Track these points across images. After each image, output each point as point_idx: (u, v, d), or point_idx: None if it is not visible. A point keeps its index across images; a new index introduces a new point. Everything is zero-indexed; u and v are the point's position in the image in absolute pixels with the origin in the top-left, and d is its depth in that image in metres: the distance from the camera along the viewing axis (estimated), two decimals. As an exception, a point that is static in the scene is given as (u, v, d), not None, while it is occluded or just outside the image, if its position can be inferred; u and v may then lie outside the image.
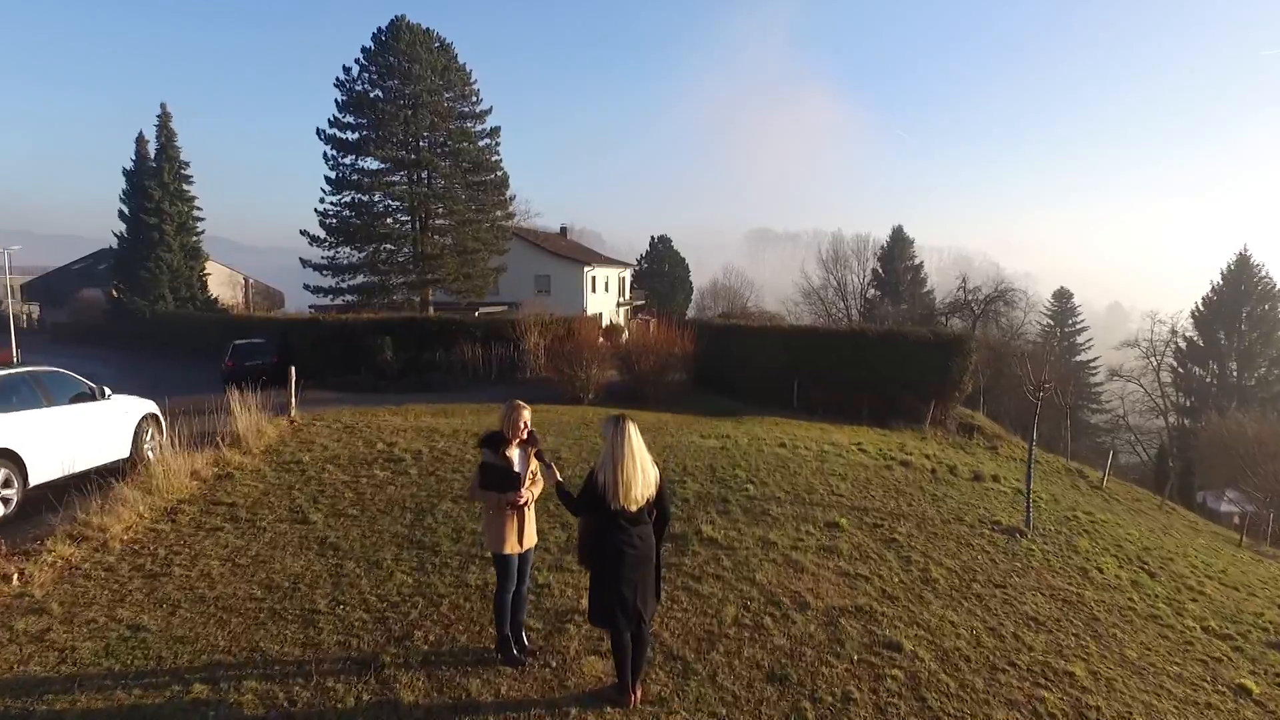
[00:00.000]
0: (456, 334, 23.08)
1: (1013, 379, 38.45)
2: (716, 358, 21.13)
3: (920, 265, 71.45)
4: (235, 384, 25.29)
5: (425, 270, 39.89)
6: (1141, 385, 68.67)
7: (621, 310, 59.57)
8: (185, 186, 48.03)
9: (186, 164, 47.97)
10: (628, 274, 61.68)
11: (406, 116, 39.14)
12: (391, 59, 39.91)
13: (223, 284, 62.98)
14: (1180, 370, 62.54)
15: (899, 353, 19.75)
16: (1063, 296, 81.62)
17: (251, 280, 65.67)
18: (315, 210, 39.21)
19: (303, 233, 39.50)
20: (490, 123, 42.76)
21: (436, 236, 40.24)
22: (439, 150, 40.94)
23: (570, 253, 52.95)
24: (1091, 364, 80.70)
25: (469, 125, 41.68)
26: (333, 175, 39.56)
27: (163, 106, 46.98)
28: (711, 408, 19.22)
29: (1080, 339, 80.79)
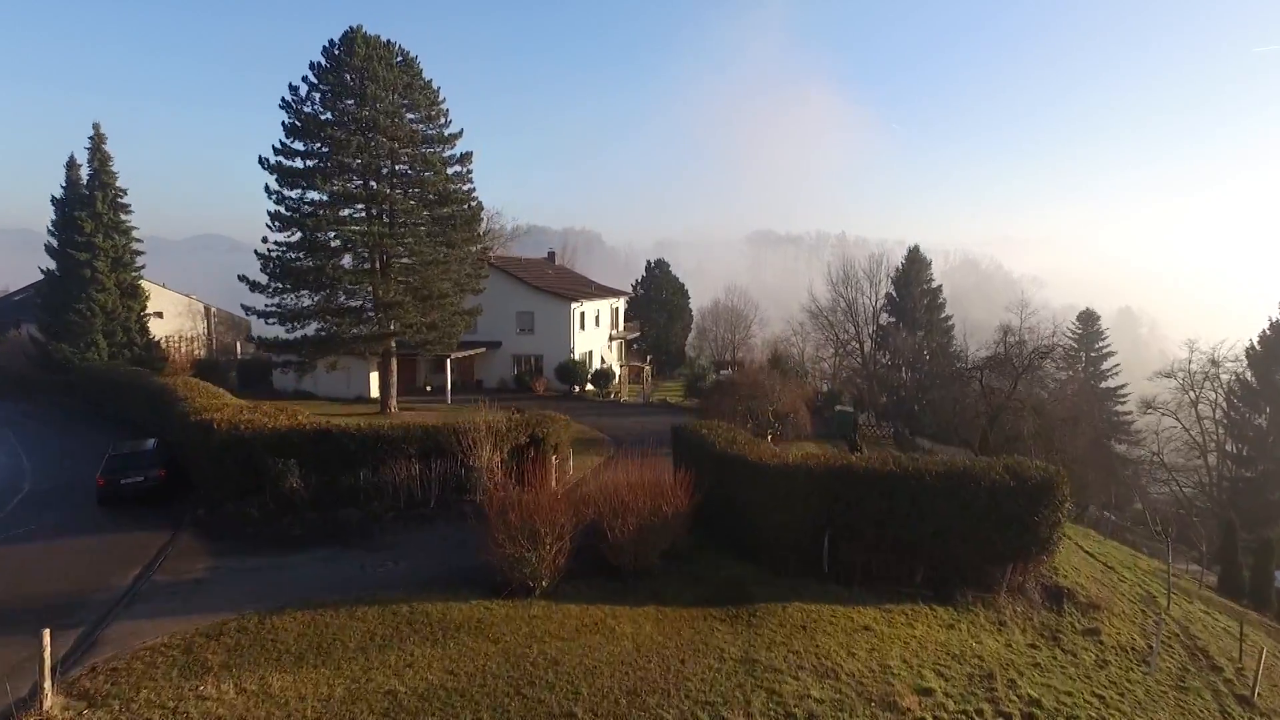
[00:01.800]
0: (385, 451, 17.97)
1: (1064, 452, 33.50)
2: (723, 496, 15.99)
3: (938, 289, 66.24)
4: (112, 505, 20.54)
5: (385, 320, 34.79)
6: (1179, 420, 63.57)
7: (614, 345, 54.45)
8: (123, 216, 42.90)
9: (124, 191, 42.82)
10: (621, 303, 56.53)
11: (359, 143, 33.94)
12: (346, 76, 34.75)
13: (180, 314, 58.13)
14: (1225, 408, 57.21)
15: (967, 501, 14.61)
16: (1088, 319, 76.42)
17: (215, 309, 60.52)
18: (256, 253, 34.09)
19: (241, 278, 34.35)
20: (461, 147, 37.57)
21: (398, 281, 35.06)
22: (399, 181, 35.82)
23: (556, 286, 47.78)
24: (1120, 391, 75.59)
25: (435, 151, 36.47)
26: (278, 210, 34.40)
27: (95, 128, 41.85)
28: (715, 587, 14.12)
29: (1106, 364, 75.56)
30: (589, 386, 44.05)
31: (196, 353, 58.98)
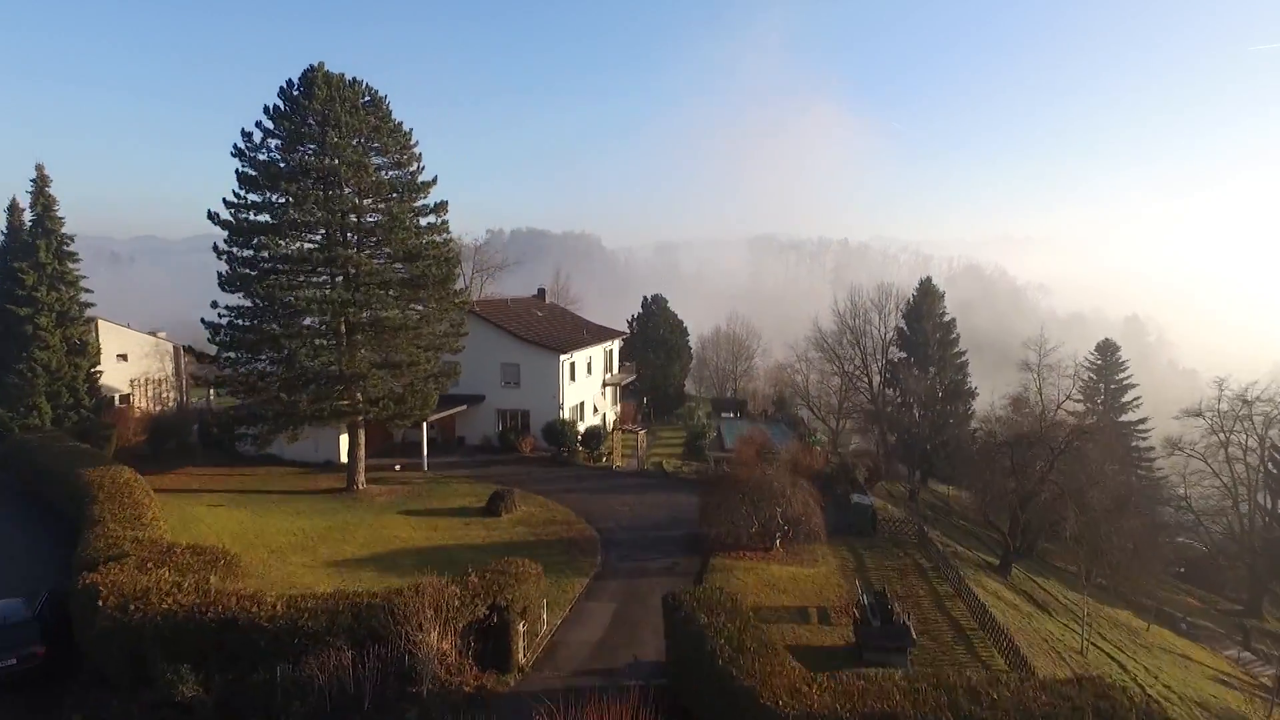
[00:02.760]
0: (307, 641, 14.45)
1: (1113, 554, 30.01)
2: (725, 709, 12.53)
3: (951, 323, 62.69)
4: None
5: (349, 392, 31.26)
6: (1209, 465, 59.98)
7: (607, 391, 50.92)
8: (70, 265, 39.34)
9: (70, 238, 39.28)
10: (615, 345, 52.98)
11: (318, 198, 30.45)
12: (309, 121, 31.28)
13: (147, 355, 54.70)
14: (1259, 453, 53.69)
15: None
16: (1107, 349, 72.80)
17: (185, 347, 56.86)
18: (203, 321, 30.59)
19: (188, 350, 30.92)
20: (435, 196, 34.10)
21: (363, 350, 31.53)
22: (365, 237, 32.30)
23: (544, 335, 44.24)
24: (1139, 425, 71.97)
25: (406, 202, 32.98)
26: (230, 270, 30.94)
27: (38, 169, 38.33)
28: None
29: (1127, 397, 71.89)
30: (579, 447, 40.50)
31: (165, 396, 55.57)
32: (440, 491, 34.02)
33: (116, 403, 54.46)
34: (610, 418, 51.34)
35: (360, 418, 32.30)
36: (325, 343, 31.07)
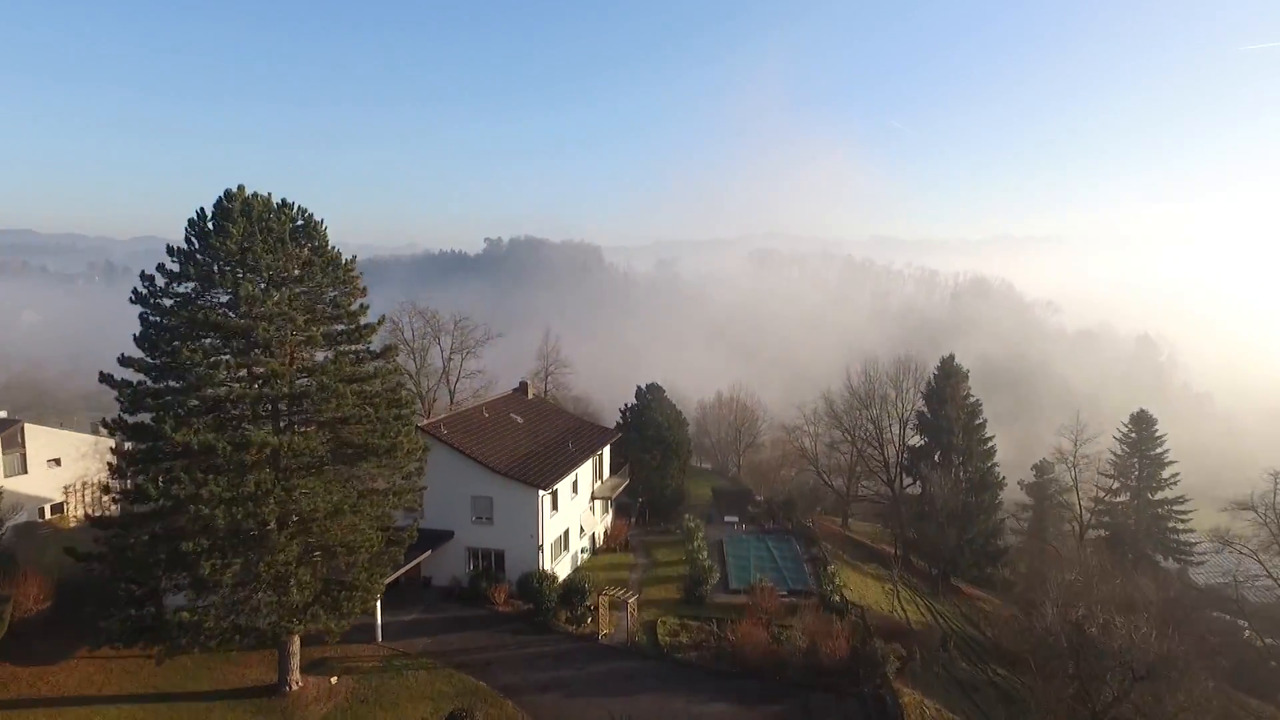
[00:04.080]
0: None
1: None
2: None
3: (977, 405, 56.88)
4: None
5: (267, 591, 25.53)
6: (1262, 564, 54.46)
7: (597, 505, 45.20)
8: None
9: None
10: (606, 450, 47.28)
11: (230, 363, 24.79)
12: (224, 261, 25.64)
13: (84, 455, 49.80)
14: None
15: None
16: (1142, 421, 66.89)
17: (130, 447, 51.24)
18: (88, 516, 24.93)
19: (69, 550, 25.01)
20: (381, 338, 28.61)
21: (288, 542, 25.72)
22: (292, 405, 26.58)
23: (522, 464, 38.41)
24: (1179, 505, 66.22)
25: (345, 349, 27.40)
26: (123, 449, 25.34)
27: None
28: None
29: (1166, 473, 66.05)
30: (559, 605, 34.72)
31: (107, 501, 50.05)
32: (389, 691, 28.44)
33: (49, 513, 49.18)
34: (599, 534, 45.66)
35: (285, 636, 26.51)
36: (246, 537, 25.33)
